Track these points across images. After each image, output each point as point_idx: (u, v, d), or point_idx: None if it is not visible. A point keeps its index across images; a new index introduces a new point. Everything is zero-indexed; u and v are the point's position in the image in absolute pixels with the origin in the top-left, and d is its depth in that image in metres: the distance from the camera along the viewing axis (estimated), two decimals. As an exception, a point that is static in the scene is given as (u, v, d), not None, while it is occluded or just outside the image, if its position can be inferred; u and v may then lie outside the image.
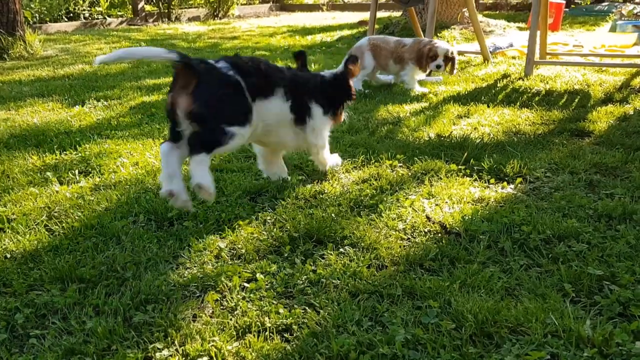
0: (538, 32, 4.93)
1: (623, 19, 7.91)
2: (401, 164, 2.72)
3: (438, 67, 4.31)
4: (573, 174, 2.49)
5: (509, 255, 1.82)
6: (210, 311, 1.58)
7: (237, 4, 12.79)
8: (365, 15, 10.50)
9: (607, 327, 1.41)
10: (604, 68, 4.86)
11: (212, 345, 1.41)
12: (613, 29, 7.38)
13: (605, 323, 1.45)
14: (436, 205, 2.24)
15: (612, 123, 3.23)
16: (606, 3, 10.38)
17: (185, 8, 12.21)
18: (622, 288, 1.60)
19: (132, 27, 10.68)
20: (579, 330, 1.40)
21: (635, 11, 8.52)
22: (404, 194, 2.36)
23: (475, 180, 2.51)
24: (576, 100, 3.80)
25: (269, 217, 2.16)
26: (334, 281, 1.69)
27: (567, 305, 1.52)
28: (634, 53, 5.64)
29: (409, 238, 1.98)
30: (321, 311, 1.54)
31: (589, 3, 11.16)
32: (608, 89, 4.09)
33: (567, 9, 10.33)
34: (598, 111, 3.46)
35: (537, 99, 3.91)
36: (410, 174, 2.60)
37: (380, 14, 11.37)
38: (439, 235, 1.99)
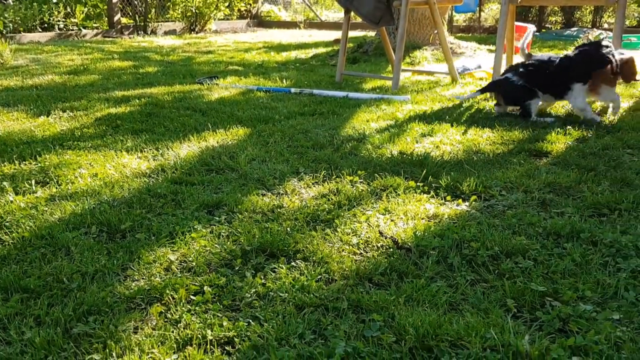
0: (504, 55, 5.05)
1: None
2: (362, 180, 2.75)
3: None
4: (527, 192, 2.54)
5: (457, 271, 1.85)
6: (154, 323, 1.56)
7: (215, 19, 12.83)
8: (338, 35, 10.63)
9: (544, 342, 1.44)
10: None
11: (151, 357, 1.39)
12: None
13: (543, 338, 1.47)
14: (391, 221, 2.26)
15: (570, 144, 3.31)
16: (575, 28, 10.67)
17: (162, 22, 12.20)
18: (564, 304, 1.63)
19: (107, 39, 10.63)
20: (517, 345, 1.43)
21: (601, 37, 8.77)
22: (361, 210, 2.37)
23: (432, 197, 2.54)
24: (537, 121, 3.89)
25: (224, 231, 2.16)
26: (281, 294, 1.69)
27: (509, 321, 1.55)
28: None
29: (361, 253, 1.99)
30: (265, 324, 1.54)
31: (559, 28, 11.46)
32: (569, 110, 4.19)
33: (537, 33, 10.60)
34: (557, 132, 3.54)
35: (499, 119, 3.99)
36: (369, 190, 2.62)
37: (356, 33, 11.52)
38: (391, 250, 2.00)
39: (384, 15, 5.40)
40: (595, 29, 10.37)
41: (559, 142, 3.34)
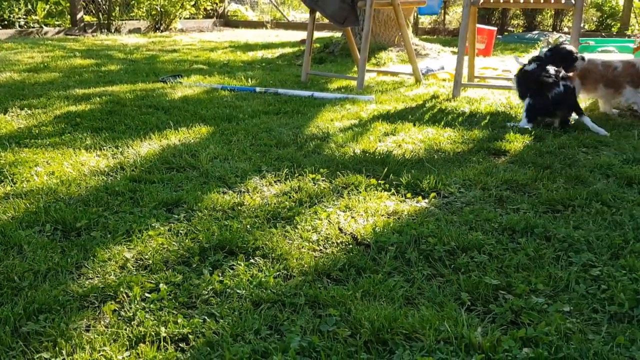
0: (466, 57, 5.14)
1: (551, 46, 8.32)
2: (324, 178, 2.75)
3: None
4: (485, 189, 2.59)
5: (414, 266, 1.87)
6: (107, 321, 1.53)
7: (180, 18, 12.68)
8: (304, 35, 10.64)
9: (496, 334, 1.47)
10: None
11: (102, 355, 1.37)
12: (540, 57, 7.75)
13: (495, 330, 1.50)
14: (352, 217, 2.27)
15: (528, 143, 3.38)
16: (536, 32, 10.91)
17: (127, 20, 12.00)
18: (516, 297, 1.67)
19: (70, 37, 10.40)
20: (470, 337, 1.45)
21: (561, 40, 8.99)
22: (322, 207, 2.38)
23: (393, 194, 2.57)
24: (497, 121, 3.97)
25: (182, 228, 2.13)
26: (238, 291, 1.68)
27: (462, 314, 1.57)
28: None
29: (320, 249, 2.00)
30: (221, 321, 1.53)
31: (521, 31, 11.71)
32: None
33: (500, 36, 10.80)
34: (514, 131, 3.62)
35: (460, 119, 4.06)
36: (331, 187, 2.63)
37: (323, 34, 11.53)
38: (350, 246, 2.02)
39: (349, 16, 5.42)
40: (555, 32, 10.64)
41: (517, 141, 3.41)
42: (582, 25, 12.12)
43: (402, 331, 1.49)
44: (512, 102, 4.62)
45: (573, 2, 4.50)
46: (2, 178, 2.69)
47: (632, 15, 11.45)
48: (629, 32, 10.81)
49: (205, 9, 13.13)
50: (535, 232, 2.09)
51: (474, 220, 2.22)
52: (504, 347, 1.42)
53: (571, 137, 3.45)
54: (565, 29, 11.62)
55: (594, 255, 1.92)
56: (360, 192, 2.57)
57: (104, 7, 11.55)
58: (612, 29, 11.48)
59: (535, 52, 8.46)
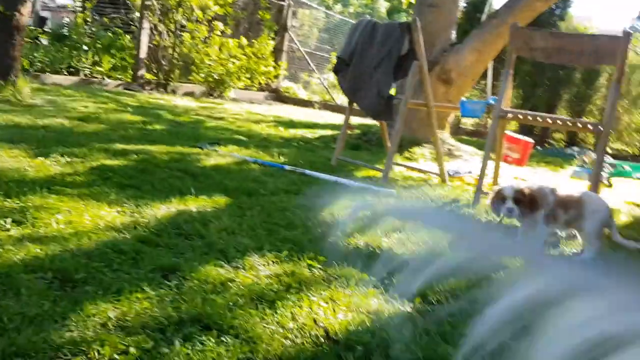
0: (492, 164, 5.26)
1: (585, 166, 8.36)
2: (320, 266, 2.85)
3: (509, 211, 3.62)
4: (472, 303, 2.62)
5: (377, 370, 1.92)
6: (71, 375, 1.64)
7: (234, 88, 13.35)
8: (353, 120, 11.01)
9: None
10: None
11: (55, 407, 1.47)
12: (573, 175, 7.80)
13: None
14: (332, 310, 2.34)
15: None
16: (577, 148, 10.98)
17: (184, 82, 12.73)
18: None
19: (128, 91, 11.09)
20: None
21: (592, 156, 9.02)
22: (308, 295, 2.46)
23: (382, 293, 2.63)
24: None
25: (170, 296, 2.25)
26: (200, 366, 1.77)
27: None
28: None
29: (292, 338, 2.07)
30: (175, 393, 1.61)
31: (563, 146, 11.80)
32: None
33: (540, 147, 10.92)
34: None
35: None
36: (323, 276, 2.72)
37: (367, 121, 11.89)
38: (321, 339, 2.08)
39: (384, 111, 5.67)
40: (593, 152, 10.66)
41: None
42: (625, 148, 12.13)
43: None
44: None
45: (601, 128, 4.61)
46: (24, 220, 2.90)
47: (677, 144, 11.41)
48: (671, 161, 10.73)
49: (259, 83, 13.81)
50: (506, 355, 2.11)
51: (450, 333, 2.26)
52: None
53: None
54: (609, 150, 11.64)
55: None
56: (349, 285, 2.64)
57: (165, 67, 12.32)
58: (656, 156, 11.44)
59: (571, 168, 8.52)
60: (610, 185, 6.96)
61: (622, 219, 5.31)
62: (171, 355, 1.81)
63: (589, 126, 4.80)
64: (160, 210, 3.43)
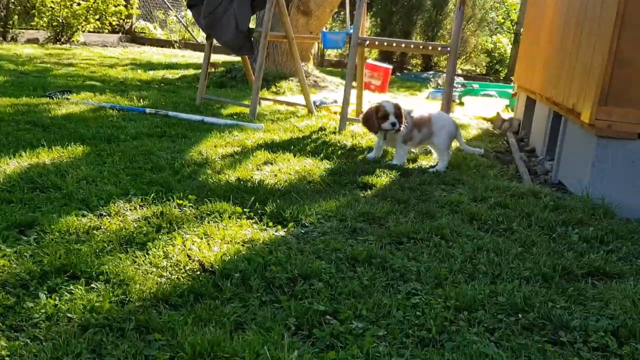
0: (354, 92, 5.42)
1: (438, 87, 8.91)
2: (191, 204, 2.81)
3: (393, 125, 3.88)
4: (342, 221, 2.76)
5: (254, 292, 1.97)
6: None
7: (84, 31, 12.31)
8: (216, 58, 10.67)
9: (307, 356, 1.59)
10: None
11: None
12: (430, 97, 8.29)
13: (310, 353, 1.62)
14: (207, 244, 2.34)
15: (394, 178, 3.62)
16: (432, 72, 11.62)
17: (25, 29, 11.49)
18: (340, 323, 1.81)
19: (-44, 41, 9.80)
20: (286, 360, 1.56)
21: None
22: (182, 233, 2.44)
23: (255, 222, 2.67)
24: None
25: (29, 251, 2.11)
26: (69, 315, 1.70)
27: (285, 338, 1.68)
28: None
29: (166, 275, 2.05)
30: (44, 344, 1.54)
31: (419, 70, 12.42)
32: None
33: (399, 74, 11.41)
34: (387, 167, 3.86)
35: (340, 152, 4.26)
36: (195, 214, 2.69)
37: (231, 58, 11.62)
38: (197, 273, 2.09)
39: (244, 45, 5.56)
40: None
41: (385, 175, 3.64)
42: (473, 69, 13.06)
43: (224, 355, 1.57)
44: (391, 138, 4.91)
45: (448, 49, 4.89)
46: None
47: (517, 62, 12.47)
48: (513, 78, 11.76)
49: (110, 24, 12.83)
50: (374, 262, 2.27)
51: (323, 250, 2.36)
52: (314, 369, 1.54)
53: (434, 174, 3.73)
54: (459, 71, 12.45)
55: (419, 284, 2.11)
56: (223, 219, 2.65)
57: (1, 13, 11.01)
58: (500, 74, 12.45)
59: (427, 91, 9.03)
60: (462, 104, 7.52)
61: (472, 132, 5.78)
62: (37, 308, 1.72)
63: (439, 48, 5.08)
64: (10, 165, 3.16)
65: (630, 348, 1.76)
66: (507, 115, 6.51)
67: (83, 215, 2.53)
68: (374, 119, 3.96)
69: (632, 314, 1.96)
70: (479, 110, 6.97)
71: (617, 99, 3.33)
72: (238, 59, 11.11)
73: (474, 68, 13.24)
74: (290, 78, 8.08)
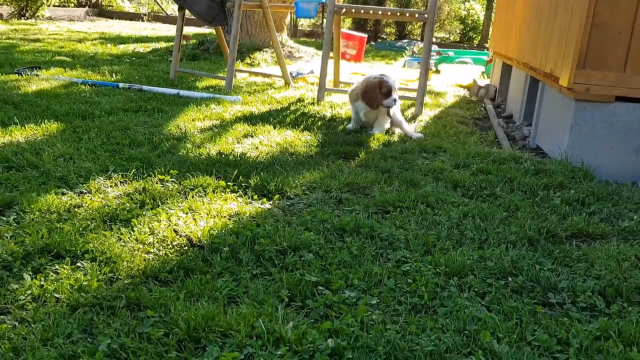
0: (332, 62, 5.35)
1: (414, 55, 8.87)
2: (173, 179, 2.76)
3: (395, 101, 3.88)
4: (327, 192, 2.74)
5: (245, 266, 1.95)
6: None
7: (49, 5, 11.90)
8: (188, 30, 10.44)
9: (303, 327, 1.58)
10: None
11: None
12: (406, 65, 8.25)
13: (306, 324, 1.62)
14: (193, 219, 2.31)
15: (377, 148, 3.61)
16: (406, 40, 11.56)
17: (-15, 3, 11.07)
18: (332, 293, 1.81)
19: None
20: (281, 332, 1.56)
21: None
22: (165, 209, 2.39)
23: (240, 196, 2.64)
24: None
25: (10, 232, 2.05)
26: (57, 295, 1.66)
27: (279, 310, 1.68)
28: (414, 87, 6.35)
29: (154, 252, 2.02)
30: (33, 326, 1.51)
31: (393, 39, 12.34)
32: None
33: (373, 43, 11.32)
34: (369, 136, 3.84)
35: (320, 123, 4.23)
36: (178, 189, 2.65)
37: (203, 30, 11.39)
38: (185, 248, 2.06)
39: (218, 15, 5.43)
40: (421, 42, 11.33)
41: (366, 145, 3.63)
42: (447, 36, 13.02)
43: (218, 329, 1.56)
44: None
45: (425, 16, 4.85)
46: None
47: (491, 28, 12.48)
48: (487, 45, 11.77)
49: (76, -3, 12.43)
50: (362, 232, 2.26)
51: (310, 221, 2.35)
52: (309, 339, 1.53)
53: (415, 143, 3.73)
54: (433, 39, 12.41)
55: (408, 252, 2.12)
56: (207, 193, 2.61)
57: (-42, -13, 10.57)
58: (474, 41, 12.45)
59: (403, 59, 8.99)
60: (438, 71, 7.51)
61: (450, 100, 5.79)
62: (23, 289, 1.68)
63: (416, 15, 5.03)
64: (-19, 145, 3.05)
65: (618, 307, 1.80)
66: (483, 82, 6.52)
67: (63, 194, 2.46)
68: (377, 93, 3.89)
69: (617, 274, 2.00)
70: (456, 78, 6.97)
71: (594, 63, 3.35)
72: (210, 30, 10.92)
73: (447, 35, 13.21)
74: (265, 49, 7.96)
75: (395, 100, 3.93)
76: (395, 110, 4.04)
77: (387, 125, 4.07)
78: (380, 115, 4.03)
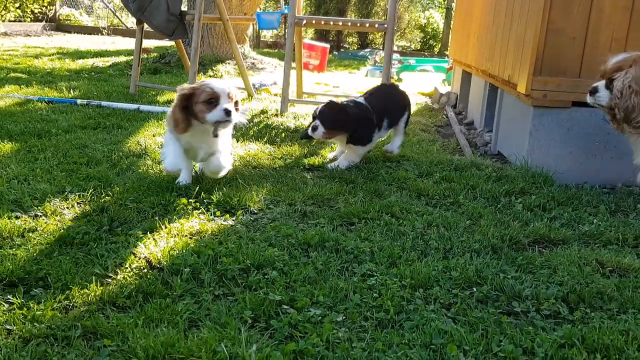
0: (294, 73, 5.33)
1: (376, 64, 8.94)
2: (132, 198, 2.68)
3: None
4: (291, 205, 2.71)
5: (207, 287, 1.90)
6: None
7: (4, 20, 11.59)
8: (148, 43, 10.30)
9: (267, 350, 1.54)
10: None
11: None
12: (368, 74, 8.30)
13: (270, 345, 1.58)
14: (153, 240, 2.25)
15: (340, 158, 3.59)
16: (368, 49, 11.65)
17: None
18: (297, 311, 1.77)
19: None
20: (244, 355, 1.51)
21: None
22: (125, 229, 2.33)
23: (202, 213, 2.58)
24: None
25: (-42, 260, 1.96)
26: (8, 327, 1.59)
27: (242, 332, 1.63)
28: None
29: (112, 276, 1.95)
30: (-18, 362, 1.43)
31: (355, 48, 12.42)
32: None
33: (336, 52, 11.37)
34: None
35: (284, 135, 4.20)
36: (137, 208, 2.58)
37: (163, 43, 11.25)
38: (144, 270, 1.99)
39: (178, 28, 5.36)
40: (383, 51, 11.45)
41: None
42: (408, 45, 13.18)
43: (179, 356, 1.51)
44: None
45: (385, 26, 4.88)
46: None
47: (451, 37, 12.70)
48: (448, 52, 11.97)
49: (32, 12, 12.13)
50: (327, 246, 2.24)
51: (274, 237, 2.31)
52: (274, 361, 1.50)
53: (379, 153, 3.73)
54: (395, 47, 12.55)
55: (374, 265, 2.10)
56: (168, 211, 2.55)
57: None
58: (435, 49, 12.62)
59: (365, 68, 9.05)
60: (400, 80, 7.57)
61: (412, 108, 5.82)
62: (-30, 323, 1.59)
63: (376, 25, 5.06)
64: None
65: (581, 313, 1.81)
66: (444, 89, 6.60)
67: (17, 217, 2.37)
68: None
69: (579, 279, 2.02)
70: (417, 86, 7.04)
71: (551, 69, 3.41)
72: (171, 43, 10.77)
73: (408, 44, 13.37)
74: (227, 61, 7.89)
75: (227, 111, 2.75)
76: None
77: None
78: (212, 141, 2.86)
